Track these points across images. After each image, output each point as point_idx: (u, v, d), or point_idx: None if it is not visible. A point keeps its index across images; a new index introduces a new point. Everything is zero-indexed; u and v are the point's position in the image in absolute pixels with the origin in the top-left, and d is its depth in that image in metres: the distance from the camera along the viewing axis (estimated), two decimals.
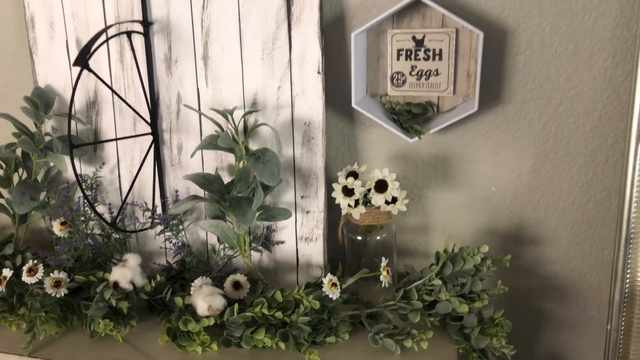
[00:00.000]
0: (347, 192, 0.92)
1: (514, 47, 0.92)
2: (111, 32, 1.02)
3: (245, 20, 0.97)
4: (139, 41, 1.03)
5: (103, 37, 0.96)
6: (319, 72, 0.96)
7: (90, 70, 0.91)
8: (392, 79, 0.98)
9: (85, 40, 1.06)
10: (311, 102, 0.98)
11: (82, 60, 0.88)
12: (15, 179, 1.09)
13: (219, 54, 1.00)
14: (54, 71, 1.10)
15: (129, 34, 1.01)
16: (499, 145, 0.98)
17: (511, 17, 0.90)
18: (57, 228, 1.02)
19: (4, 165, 1.10)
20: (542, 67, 0.91)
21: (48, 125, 1.12)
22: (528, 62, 0.92)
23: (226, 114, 0.95)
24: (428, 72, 0.96)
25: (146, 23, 1.01)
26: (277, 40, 0.97)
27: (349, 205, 0.92)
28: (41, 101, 1.06)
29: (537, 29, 0.90)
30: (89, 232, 1.04)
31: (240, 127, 1.01)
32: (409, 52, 0.96)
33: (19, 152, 1.08)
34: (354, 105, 0.94)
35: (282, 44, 0.97)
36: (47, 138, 1.07)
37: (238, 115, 0.99)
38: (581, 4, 0.86)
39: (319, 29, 0.94)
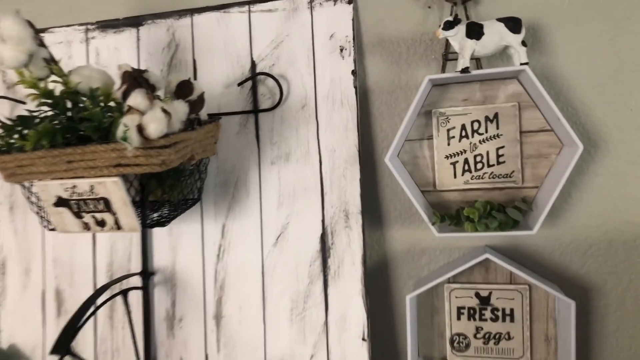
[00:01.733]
0: None
1: (601, 308, 0.76)
2: (102, 281, 0.84)
3: (270, 272, 0.80)
4: (135, 294, 0.84)
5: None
6: (364, 339, 0.77)
7: (74, 355, 0.69)
8: (452, 341, 0.79)
9: (67, 291, 0.86)
10: None
11: (63, 348, 0.67)
12: None
13: (235, 313, 0.81)
14: (24, 327, 0.88)
15: (124, 292, 0.82)
16: None
17: (593, 271, 0.75)
18: None
19: None
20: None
21: None
22: (621, 326, 0.75)
23: None
24: (497, 336, 0.78)
25: (146, 274, 0.83)
26: (310, 297, 0.79)
27: None
28: None
29: (628, 287, 0.74)
30: None
31: None
32: (472, 311, 0.79)
33: None
34: None
35: (316, 303, 0.79)
36: None
37: None
38: None
39: (362, 286, 0.77)
